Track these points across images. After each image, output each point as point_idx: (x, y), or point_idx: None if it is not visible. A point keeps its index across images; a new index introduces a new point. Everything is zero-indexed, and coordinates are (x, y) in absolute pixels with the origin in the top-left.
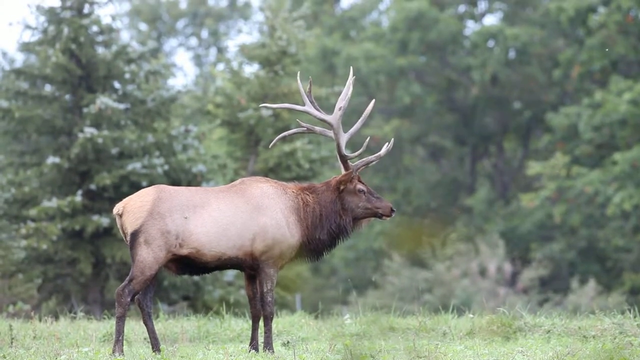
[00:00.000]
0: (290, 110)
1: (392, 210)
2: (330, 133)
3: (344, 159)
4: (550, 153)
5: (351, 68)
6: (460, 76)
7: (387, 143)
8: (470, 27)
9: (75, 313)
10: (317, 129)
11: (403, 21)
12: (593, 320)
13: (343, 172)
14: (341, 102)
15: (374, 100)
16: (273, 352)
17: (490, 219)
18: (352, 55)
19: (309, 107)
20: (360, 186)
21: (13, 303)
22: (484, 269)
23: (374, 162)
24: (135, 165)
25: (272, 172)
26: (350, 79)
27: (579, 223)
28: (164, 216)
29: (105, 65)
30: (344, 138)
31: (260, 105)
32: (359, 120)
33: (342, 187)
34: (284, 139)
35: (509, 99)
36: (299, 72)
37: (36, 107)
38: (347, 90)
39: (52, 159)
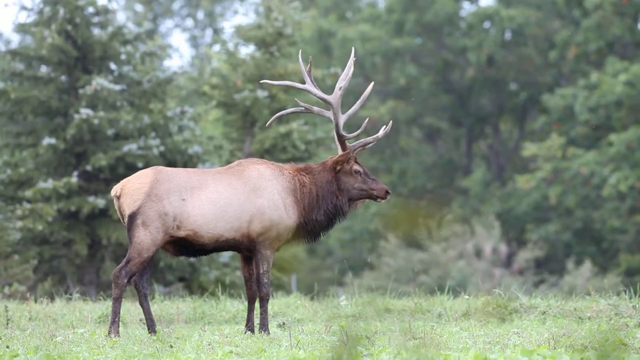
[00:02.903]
0: (287, 90)
1: (387, 193)
2: (328, 114)
3: (341, 139)
4: (546, 134)
5: (353, 49)
6: (456, 57)
7: (384, 125)
8: (466, 8)
9: (70, 294)
10: (315, 108)
11: (399, 2)
12: (589, 302)
13: (340, 152)
14: (341, 82)
15: (372, 83)
16: (269, 333)
17: (486, 200)
18: (348, 36)
19: (309, 86)
20: (356, 167)
21: (9, 284)
22: (480, 250)
23: (371, 144)
24: (131, 147)
25: (268, 153)
26: (352, 59)
27: (574, 204)
28: (162, 198)
29: (101, 46)
30: (342, 118)
31: (261, 81)
32: (358, 102)
33: (338, 168)
34: (280, 119)
35: (505, 80)
36: (300, 51)
37: (32, 88)
38: (348, 70)
39: (47, 140)
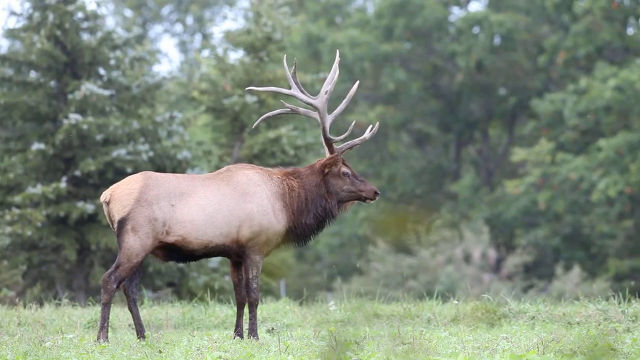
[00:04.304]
0: (276, 95)
1: (375, 194)
2: (314, 114)
3: (329, 142)
4: (535, 139)
5: (337, 51)
6: (445, 62)
7: (371, 126)
8: (456, 13)
9: (59, 299)
10: (301, 109)
11: (388, 7)
12: (577, 307)
13: (327, 155)
14: (327, 86)
15: (357, 82)
16: (258, 338)
17: (475, 206)
18: (337, 41)
19: (295, 91)
20: (344, 169)
21: None
22: (469, 255)
23: (358, 145)
24: (120, 152)
25: (257, 158)
26: (336, 62)
27: (563, 209)
28: (151, 203)
29: (91, 51)
30: (328, 120)
31: (247, 88)
32: (343, 102)
33: (326, 170)
34: (269, 124)
35: (494, 85)
36: (285, 56)
37: (21, 94)
38: (333, 73)
39: (37, 146)
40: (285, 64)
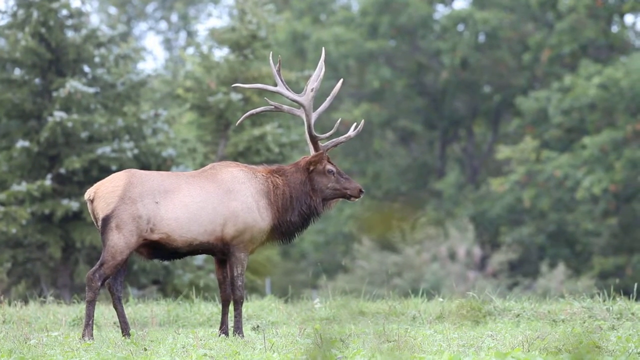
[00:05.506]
0: (261, 92)
1: (360, 191)
2: (298, 112)
3: (314, 140)
4: (519, 137)
5: (323, 49)
6: (430, 60)
7: (355, 123)
8: (440, 11)
9: (44, 297)
10: (285, 107)
11: (373, 5)
12: (562, 304)
13: (312, 153)
14: (313, 83)
15: (341, 80)
16: (243, 336)
17: (459, 203)
18: (322, 39)
19: (281, 88)
20: (329, 167)
21: None
22: (454, 253)
23: (343, 143)
24: (105, 149)
25: (242, 156)
26: (322, 59)
27: (548, 207)
28: (135, 201)
29: (75, 49)
30: (314, 118)
31: (233, 85)
32: (327, 99)
33: (311, 168)
34: (254, 121)
35: (478, 83)
36: (270, 53)
37: (6, 91)
38: (319, 71)
39: (21, 143)
40: (271, 61)
